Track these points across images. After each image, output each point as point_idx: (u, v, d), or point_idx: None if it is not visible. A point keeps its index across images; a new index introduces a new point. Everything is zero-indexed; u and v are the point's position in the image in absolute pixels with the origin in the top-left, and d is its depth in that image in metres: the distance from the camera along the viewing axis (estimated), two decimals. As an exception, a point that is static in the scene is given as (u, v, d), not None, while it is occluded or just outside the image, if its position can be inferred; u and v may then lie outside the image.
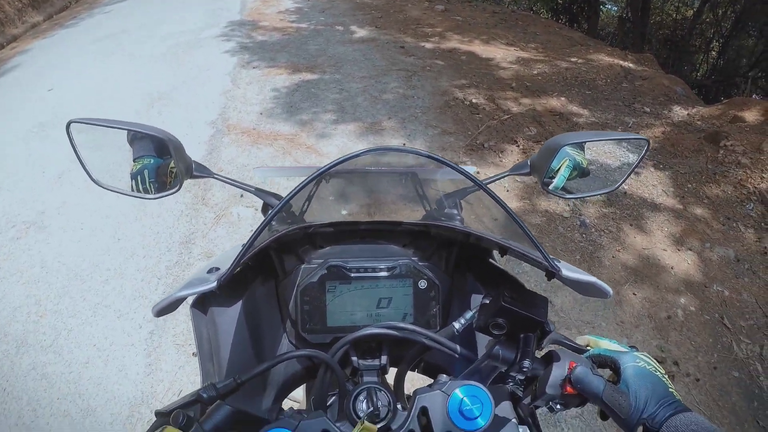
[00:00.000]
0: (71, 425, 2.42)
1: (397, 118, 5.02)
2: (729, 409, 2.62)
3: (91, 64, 6.68)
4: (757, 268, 3.44)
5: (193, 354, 2.72)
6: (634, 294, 3.17)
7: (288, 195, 0.85)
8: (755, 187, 4.03)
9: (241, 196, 3.82)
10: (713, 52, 12.14)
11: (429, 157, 0.88)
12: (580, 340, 0.94)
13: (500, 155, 4.43)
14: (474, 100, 5.33)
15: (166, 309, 0.84)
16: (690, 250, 3.54)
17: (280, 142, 4.57)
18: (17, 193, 4.09)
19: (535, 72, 6.17)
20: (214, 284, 0.82)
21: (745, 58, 11.31)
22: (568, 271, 0.85)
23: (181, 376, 2.62)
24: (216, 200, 3.83)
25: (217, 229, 3.57)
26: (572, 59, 6.71)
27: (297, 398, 1.79)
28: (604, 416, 0.86)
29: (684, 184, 4.14)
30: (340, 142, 4.60)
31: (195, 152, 4.23)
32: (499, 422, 1.02)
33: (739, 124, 4.70)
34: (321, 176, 1.30)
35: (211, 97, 5.46)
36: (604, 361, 0.86)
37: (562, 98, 5.47)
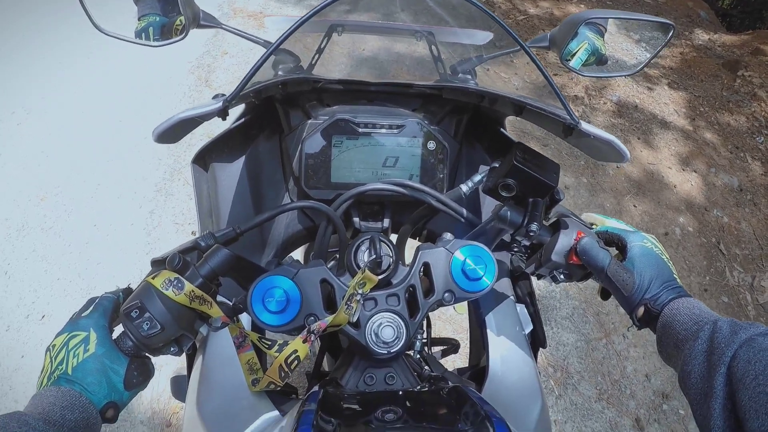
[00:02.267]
0: (71, 306, 2.43)
1: (410, 11, 4.76)
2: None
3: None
4: (759, 201, 3.45)
5: (193, 233, 2.73)
6: (634, 206, 3.18)
7: (297, 21, 0.77)
8: (768, 121, 3.97)
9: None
10: (743, -18, 11.61)
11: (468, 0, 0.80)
12: (586, 218, 0.92)
13: (510, 56, 4.28)
14: (491, -1, 5.11)
15: (168, 133, 0.78)
16: (695, 172, 3.53)
17: (288, 28, 4.40)
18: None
19: (556, -24, 5.88)
20: (220, 104, 0.77)
21: (775, -8, 10.83)
22: (587, 126, 0.82)
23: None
24: (220, 82, 3.73)
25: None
26: (597, -31, 6.39)
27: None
28: (605, 295, 0.86)
29: (697, 107, 4.07)
30: (351, 14, 4.41)
31: (198, 35, 4.07)
32: (497, 297, 1.03)
33: (760, 57, 4.58)
34: (331, 27, 1.25)
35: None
36: (611, 239, 0.84)
37: (582, 5, 5.26)
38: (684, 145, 3.70)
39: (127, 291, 0.77)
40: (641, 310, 0.75)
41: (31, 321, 2.37)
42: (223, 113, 0.80)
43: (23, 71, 4.04)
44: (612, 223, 0.89)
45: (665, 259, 0.79)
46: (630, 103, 3.90)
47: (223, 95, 0.80)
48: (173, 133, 0.80)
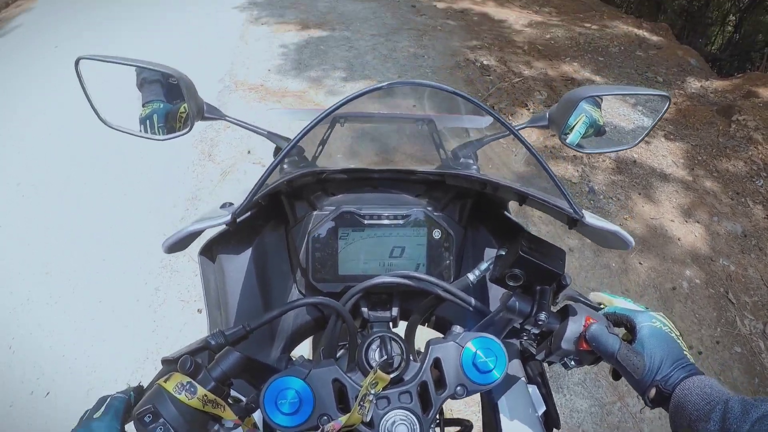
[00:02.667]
0: (76, 383, 2.43)
1: (407, 78, 4.91)
2: (730, 385, 2.64)
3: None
4: (764, 245, 3.43)
5: (199, 311, 2.73)
6: (640, 263, 3.16)
7: (301, 132, 0.81)
8: (766, 163, 3.99)
9: (249, 152, 3.78)
10: (729, 26, 11.87)
11: (454, 93, 0.83)
12: (594, 298, 0.93)
13: (510, 117, 4.36)
14: (485, 62, 5.24)
15: (178, 245, 0.81)
16: (698, 222, 3.52)
17: (289, 98, 4.51)
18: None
19: (548, 36, 6.05)
20: (228, 217, 0.80)
21: (762, 33, 11.05)
22: (591, 218, 0.83)
23: (186, 332, 2.63)
24: (223, 157, 3.79)
25: (223, 185, 3.55)
26: (586, 24, 6.57)
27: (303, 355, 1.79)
28: (616, 376, 0.85)
29: (694, 157, 4.10)
30: (353, 105, 4.50)
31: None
32: (508, 381, 1.01)
33: (753, 100, 4.64)
34: (335, 119, 1.27)
35: (220, 53, 5.38)
36: (620, 320, 0.84)
37: (575, 63, 5.37)
38: (685, 196, 3.71)
39: (138, 390, 0.76)
40: (653, 392, 0.75)
41: (36, 398, 2.35)
42: (232, 224, 0.82)
43: (28, 142, 4.15)
44: (620, 303, 0.89)
45: (675, 337, 0.78)
46: (628, 159, 3.94)
47: (231, 204, 0.82)
48: (182, 243, 0.82)
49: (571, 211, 0.82)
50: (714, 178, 3.93)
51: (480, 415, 1.14)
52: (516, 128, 1.25)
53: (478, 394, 1.13)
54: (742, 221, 3.59)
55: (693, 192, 3.76)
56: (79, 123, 4.04)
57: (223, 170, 3.67)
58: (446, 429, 1.35)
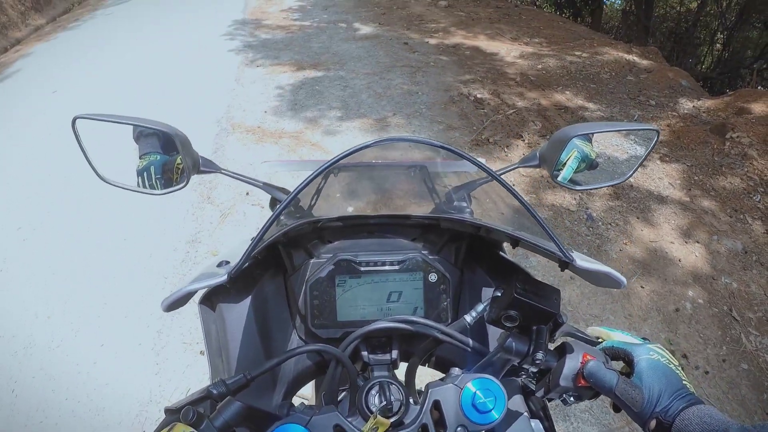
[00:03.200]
0: (80, 428, 2.42)
1: (402, 114, 5.02)
2: (738, 402, 2.61)
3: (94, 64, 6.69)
4: (765, 260, 3.42)
5: (201, 353, 2.73)
6: (642, 287, 3.15)
7: (296, 188, 0.83)
8: (762, 179, 4.01)
9: (247, 194, 3.82)
10: (718, 45, 12.05)
11: (441, 147, 0.86)
12: (591, 332, 0.94)
13: (506, 150, 4.41)
14: (479, 95, 5.32)
15: (176, 303, 0.83)
16: (697, 242, 3.52)
17: (285, 139, 4.57)
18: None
19: (539, 66, 6.15)
20: (225, 277, 0.81)
21: (750, 49, 11.22)
22: (582, 261, 0.84)
23: (189, 374, 2.62)
24: (222, 199, 3.84)
25: (223, 227, 3.58)
26: (576, 53, 6.69)
27: (306, 395, 1.78)
28: (617, 408, 0.85)
29: (691, 177, 4.12)
30: (346, 139, 4.60)
31: (199, 151, 4.23)
32: (510, 416, 1.01)
33: (746, 116, 4.68)
34: (329, 170, 1.30)
35: (216, 96, 5.47)
36: (617, 354, 0.85)
37: (567, 92, 5.45)
38: (683, 217, 3.72)
39: None
40: (653, 423, 0.75)
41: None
42: (229, 282, 0.84)
43: (28, 186, 4.20)
44: (618, 336, 0.89)
45: (673, 368, 0.79)
46: (625, 184, 3.96)
47: (227, 262, 0.84)
48: (180, 302, 0.83)
49: (561, 254, 0.83)
50: (711, 197, 3.94)
51: None
52: (507, 169, 1.28)
53: None
54: (742, 238, 3.58)
55: (691, 212, 3.77)
56: (79, 168, 4.13)
57: (222, 212, 3.71)
58: None
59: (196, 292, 0.82)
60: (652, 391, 0.75)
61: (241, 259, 0.82)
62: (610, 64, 6.15)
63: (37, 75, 6.70)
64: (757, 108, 4.73)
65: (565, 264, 0.86)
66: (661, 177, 4.10)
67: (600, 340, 0.91)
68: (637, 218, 3.71)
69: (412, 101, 5.26)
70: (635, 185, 4.00)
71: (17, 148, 4.81)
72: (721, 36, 11.84)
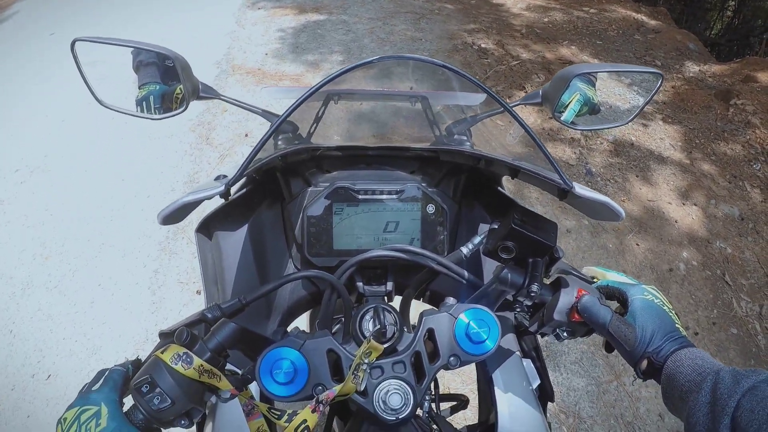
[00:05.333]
0: (77, 365, 2.45)
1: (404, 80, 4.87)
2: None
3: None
4: (761, 228, 3.44)
5: (198, 292, 2.74)
6: (637, 244, 3.18)
7: (293, 104, 0.81)
8: (764, 147, 4.00)
9: (246, 135, 3.77)
10: (728, 11, 11.81)
11: (443, 66, 0.83)
12: (587, 272, 0.94)
13: (508, 100, 4.33)
14: (483, 45, 5.21)
15: (172, 216, 0.81)
16: (695, 205, 3.53)
17: (286, 81, 4.49)
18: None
19: (546, 19, 6.02)
20: (222, 188, 0.79)
21: (761, 19, 11.01)
22: (581, 189, 0.83)
23: (185, 313, 2.63)
24: (221, 140, 3.78)
25: (221, 168, 3.53)
26: (584, 8, 6.54)
27: (301, 327, 1.80)
28: (609, 348, 0.86)
29: (692, 140, 4.10)
30: (347, 83, 4.49)
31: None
32: (502, 354, 1.03)
33: (752, 84, 4.63)
34: (329, 96, 1.28)
35: (216, 38, 5.35)
36: (612, 293, 0.85)
37: (573, 47, 5.35)
38: (682, 178, 3.72)
39: (136, 363, 0.77)
40: (644, 363, 0.76)
41: (37, 381, 2.37)
42: (225, 195, 0.82)
43: (25, 128, 4.14)
44: (613, 277, 0.90)
45: (667, 310, 0.79)
46: (626, 142, 3.94)
47: (225, 176, 0.82)
48: (177, 215, 0.81)
49: (561, 182, 0.82)
50: (711, 161, 3.93)
51: (476, 392, 1.16)
52: (509, 105, 1.26)
53: (475, 370, 1.15)
54: (740, 205, 3.59)
55: (690, 175, 3.77)
56: (77, 109, 4.07)
57: (221, 154, 3.66)
58: (443, 405, 1.37)
59: (192, 204, 0.79)
60: (645, 330, 0.76)
61: (238, 171, 0.81)
62: (618, 22, 6.03)
63: (35, 17, 6.52)
64: (764, 77, 4.68)
65: (564, 194, 0.85)
66: (663, 137, 4.08)
67: (595, 279, 0.91)
68: (636, 176, 3.70)
69: (415, 48, 5.15)
70: (635, 143, 3.99)
71: (14, 92, 4.71)
72: (733, 2, 11.60)
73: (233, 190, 1.02)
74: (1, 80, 4.94)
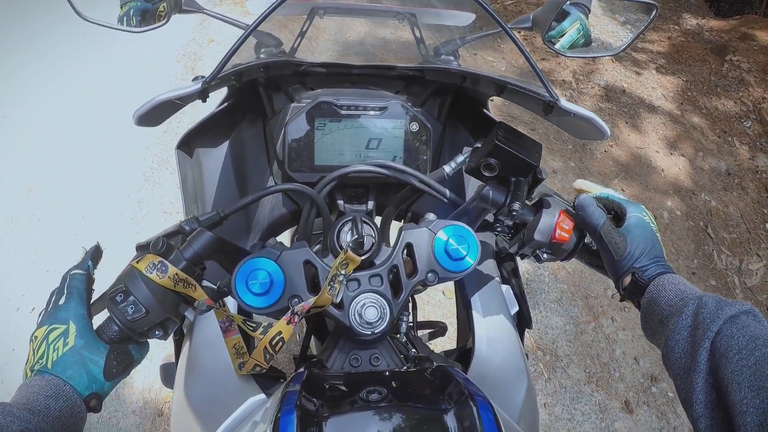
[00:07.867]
0: None
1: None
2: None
3: None
4: (746, 185, 3.46)
5: (181, 221, 2.73)
6: (622, 190, 3.19)
7: (275, 2, 0.76)
8: (756, 106, 3.98)
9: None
10: (730, -33, 11.60)
11: None
12: (578, 185, 0.91)
13: (498, 40, 4.24)
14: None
15: (148, 116, 0.78)
16: (682, 156, 3.54)
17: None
18: None
19: (544, -36, 5.85)
20: (199, 86, 0.77)
21: (763, -24, 10.84)
22: (566, 103, 0.81)
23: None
24: (206, 71, 3.68)
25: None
26: (584, -45, 6.36)
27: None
28: (592, 261, 0.86)
29: (684, 92, 4.08)
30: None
31: (184, 23, 4.01)
32: (482, 279, 1.03)
33: (749, 42, 4.58)
34: (313, 10, 1.24)
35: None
36: (611, 206, 0.82)
37: (570, -7, 5.23)
38: (672, 129, 3.72)
39: (96, 254, 0.79)
40: (628, 279, 0.75)
41: (22, 314, 2.36)
42: (202, 95, 0.80)
43: (6, 64, 3.99)
44: (609, 192, 0.88)
45: (659, 237, 0.78)
46: (618, 88, 3.91)
47: (203, 77, 0.79)
48: (154, 116, 0.79)
49: (547, 94, 0.80)
50: (702, 114, 3.93)
51: (456, 324, 1.16)
52: (496, 30, 1.23)
53: (455, 304, 1.15)
54: (727, 159, 3.61)
55: (680, 126, 3.76)
56: (61, 42, 3.92)
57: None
58: (421, 331, 1.38)
59: (169, 103, 0.77)
60: (636, 246, 0.75)
61: (214, 69, 0.78)
62: (618, -31, 5.89)
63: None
64: (762, 36, 4.62)
65: (550, 108, 0.82)
66: (655, 87, 4.05)
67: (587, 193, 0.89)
68: (626, 123, 3.70)
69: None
70: (627, 90, 3.96)
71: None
72: (735, -42, 11.37)
73: (215, 103, 1.00)
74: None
